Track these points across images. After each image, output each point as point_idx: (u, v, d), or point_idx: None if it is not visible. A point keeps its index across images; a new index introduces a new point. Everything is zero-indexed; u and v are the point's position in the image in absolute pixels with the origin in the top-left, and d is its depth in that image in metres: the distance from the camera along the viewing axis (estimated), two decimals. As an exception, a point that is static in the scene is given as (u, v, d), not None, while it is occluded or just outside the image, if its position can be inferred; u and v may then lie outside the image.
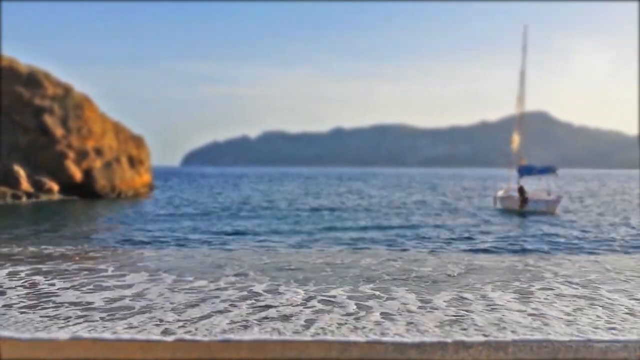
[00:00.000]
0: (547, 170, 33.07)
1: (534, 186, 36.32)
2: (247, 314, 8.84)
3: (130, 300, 9.78)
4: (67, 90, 40.96)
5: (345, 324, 8.31)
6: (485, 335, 7.78)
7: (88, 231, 20.11)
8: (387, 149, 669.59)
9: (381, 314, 8.86)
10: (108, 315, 8.77)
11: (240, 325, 8.19)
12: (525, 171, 32.93)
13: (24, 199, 35.11)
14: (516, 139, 34.21)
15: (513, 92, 34.10)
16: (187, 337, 7.70)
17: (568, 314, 8.92)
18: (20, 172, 36.26)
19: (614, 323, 8.44)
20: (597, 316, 8.84)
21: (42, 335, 7.78)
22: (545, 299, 10.00)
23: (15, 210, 29.85)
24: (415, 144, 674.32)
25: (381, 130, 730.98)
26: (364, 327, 8.10)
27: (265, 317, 8.63)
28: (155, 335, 7.79)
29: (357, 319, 8.58)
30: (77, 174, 38.77)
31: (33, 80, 39.61)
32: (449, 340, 7.55)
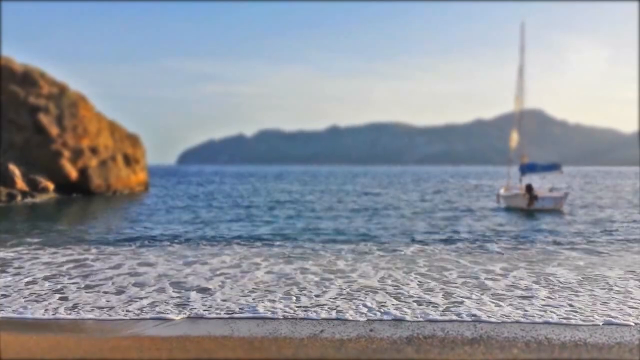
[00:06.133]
0: (552, 167, 31.97)
1: (535, 184, 34.54)
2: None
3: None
4: (62, 89, 40.83)
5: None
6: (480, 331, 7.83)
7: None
8: (383, 147, 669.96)
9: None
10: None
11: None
12: (528, 169, 32.02)
13: (19, 198, 34.97)
14: (514, 137, 33.37)
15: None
16: (182, 336, 7.73)
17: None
18: (16, 171, 36.11)
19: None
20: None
21: (40, 334, 7.81)
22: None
23: (8, 210, 29.73)
24: (412, 142, 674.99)
25: (377, 128, 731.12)
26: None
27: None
28: (151, 333, 7.82)
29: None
30: (73, 173, 38.66)
31: (28, 79, 39.47)
32: (442, 334, 7.61)
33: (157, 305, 9.57)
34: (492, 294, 10.38)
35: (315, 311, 9.20)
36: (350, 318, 8.74)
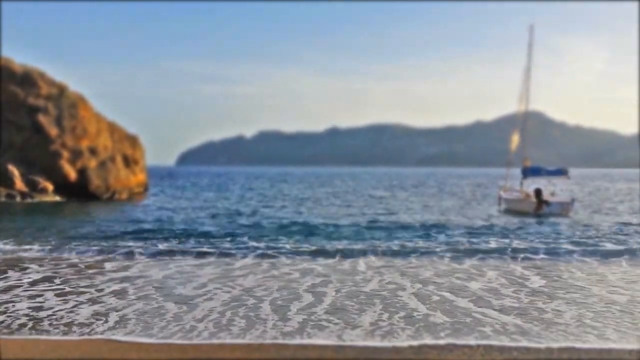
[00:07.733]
0: (558, 172, 30.74)
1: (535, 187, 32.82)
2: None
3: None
4: (62, 89, 40.78)
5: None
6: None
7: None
8: (383, 148, 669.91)
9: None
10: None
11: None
12: (531, 172, 30.74)
13: (18, 199, 34.93)
14: (515, 139, 32.38)
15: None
16: (181, 340, 7.69)
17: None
18: (15, 171, 36.08)
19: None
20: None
21: (38, 335, 7.79)
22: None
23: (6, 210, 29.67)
24: (412, 143, 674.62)
25: (377, 129, 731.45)
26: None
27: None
28: (150, 336, 7.78)
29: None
30: (72, 174, 38.60)
31: (27, 79, 39.42)
32: (442, 342, 7.56)
33: (122, 327, 8.21)
34: (503, 308, 10.27)
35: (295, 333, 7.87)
36: (343, 343, 7.42)
